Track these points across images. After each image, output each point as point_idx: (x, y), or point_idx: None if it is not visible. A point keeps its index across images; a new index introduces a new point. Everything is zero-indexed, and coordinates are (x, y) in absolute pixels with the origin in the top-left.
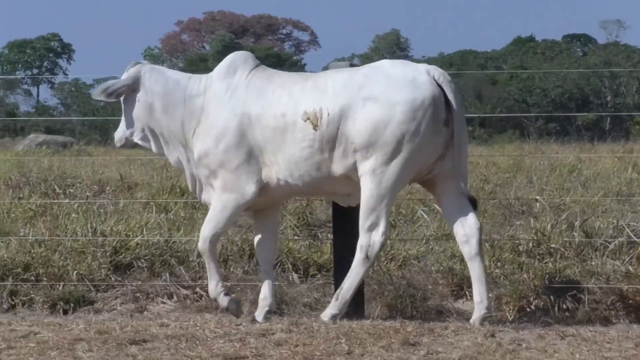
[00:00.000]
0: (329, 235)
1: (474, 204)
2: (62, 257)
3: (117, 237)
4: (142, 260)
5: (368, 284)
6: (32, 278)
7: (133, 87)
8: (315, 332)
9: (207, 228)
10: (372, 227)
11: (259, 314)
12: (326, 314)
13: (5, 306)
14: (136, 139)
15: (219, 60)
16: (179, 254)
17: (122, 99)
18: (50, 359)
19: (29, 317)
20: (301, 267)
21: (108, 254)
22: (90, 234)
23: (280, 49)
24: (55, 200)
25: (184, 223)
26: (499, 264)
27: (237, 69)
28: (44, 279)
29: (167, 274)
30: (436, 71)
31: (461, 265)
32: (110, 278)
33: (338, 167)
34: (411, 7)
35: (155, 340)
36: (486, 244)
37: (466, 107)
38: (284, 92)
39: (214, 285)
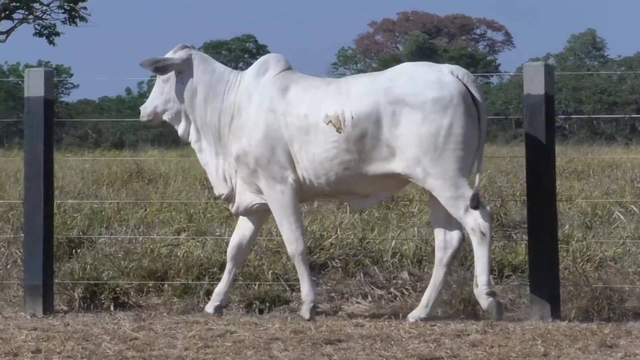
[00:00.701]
0: (523, 236)
1: (476, 200)
2: (258, 257)
3: (312, 237)
4: (337, 260)
5: (564, 285)
6: None
7: (181, 69)
8: (511, 333)
9: (286, 231)
10: (467, 209)
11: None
12: (483, 294)
13: (202, 305)
14: (166, 117)
15: (414, 60)
16: (373, 254)
17: (161, 76)
18: (247, 358)
19: (226, 316)
20: (496, 268)
21: None
22: None
23: (474, 49)
24: None
25: (378, 223)
26: None
27: (269, 69)
28: (240, 278)
29: (362, 274)
30: (459, 71)
31: None
32: None
33: (374, 167)
34: (607, 5)
35: (350, 340)
36: None
37: None
38: (306, 95)
39: (307, 289)
